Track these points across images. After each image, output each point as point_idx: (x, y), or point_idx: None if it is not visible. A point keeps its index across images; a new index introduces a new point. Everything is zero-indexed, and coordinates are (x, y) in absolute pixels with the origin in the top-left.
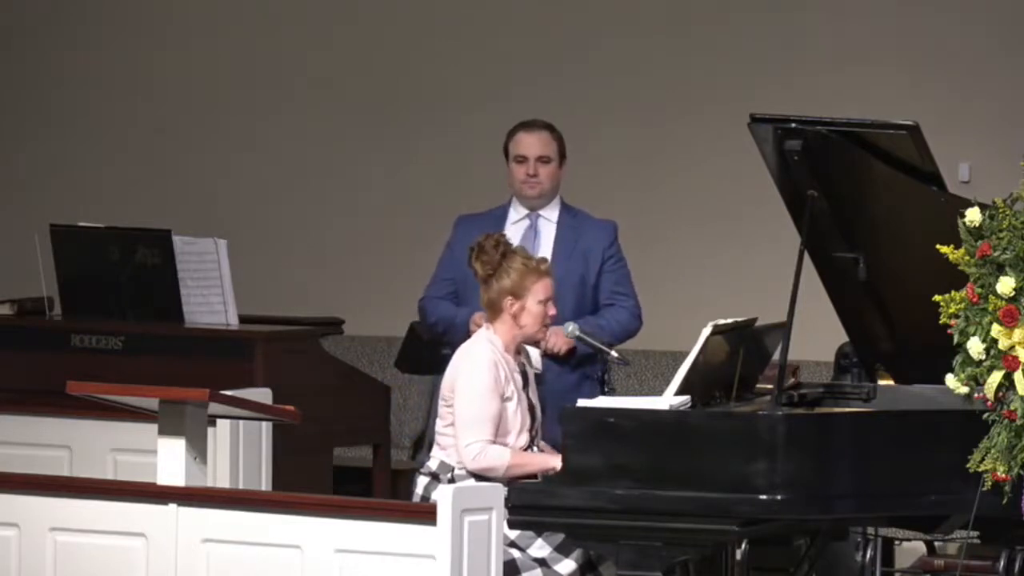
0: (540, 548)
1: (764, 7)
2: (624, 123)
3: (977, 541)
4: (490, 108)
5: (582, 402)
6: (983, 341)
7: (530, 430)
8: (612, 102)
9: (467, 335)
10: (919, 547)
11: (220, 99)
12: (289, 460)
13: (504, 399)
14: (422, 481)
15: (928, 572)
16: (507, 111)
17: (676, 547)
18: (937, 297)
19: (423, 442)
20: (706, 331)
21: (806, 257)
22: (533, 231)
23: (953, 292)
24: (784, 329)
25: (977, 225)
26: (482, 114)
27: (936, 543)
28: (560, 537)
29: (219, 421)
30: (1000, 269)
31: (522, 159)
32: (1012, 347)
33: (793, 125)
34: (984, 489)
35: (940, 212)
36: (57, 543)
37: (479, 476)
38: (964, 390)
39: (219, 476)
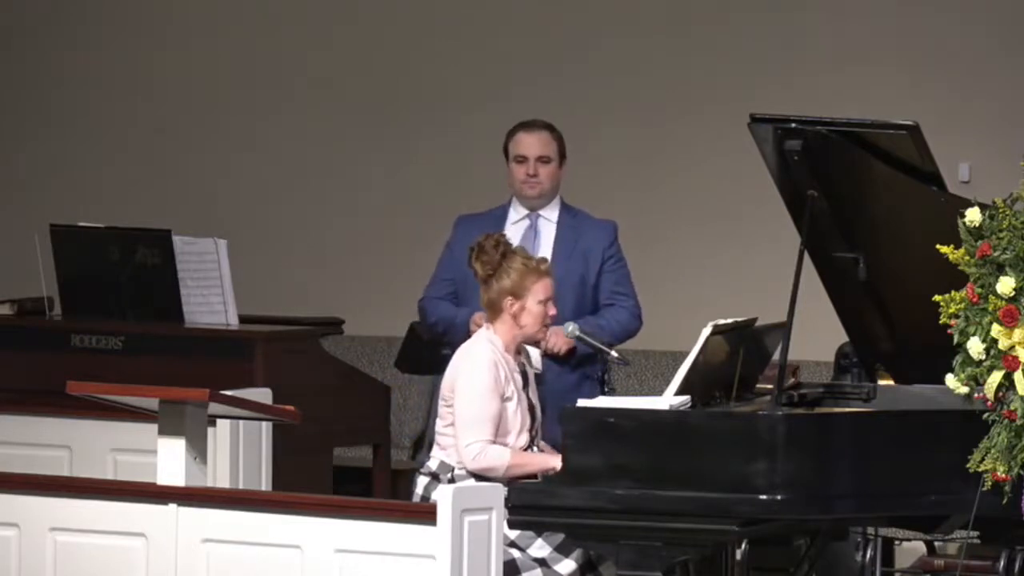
0: (540, 548)
1: (764, 7)
2: (624, 123)
3: (977, 541)
4: (490, 108)
5: (582, 402)
6: (983, 341)
7: (530, 430)
8: (612, 102)
9: (467, 335)
10: (919, 547)
11: (220, 99)
12: (289, 460)
13: (504, 399)
14: (422, 481)
15: (928, 572)
16: (507, 111)
17: (676, 547)
18: (937, 297)
19: (423, 442)
20: (706, 331)
21: (806, 257)
22: (533, 231)
23: (953, 292)
24: (784, 329)
25: (977, 225)
26: (482, 114)
27: (936, 543)
28: (560, 537)
29: (219, 421)
30: (1000, 269)
31: (522, 159)
32: (1012, 347)
33: (793, 125)
34: (984, 489)
35: (940, 212)
36: (57, 543)
37: (479, 476)
38: (964, 390)
39: (219, 476)
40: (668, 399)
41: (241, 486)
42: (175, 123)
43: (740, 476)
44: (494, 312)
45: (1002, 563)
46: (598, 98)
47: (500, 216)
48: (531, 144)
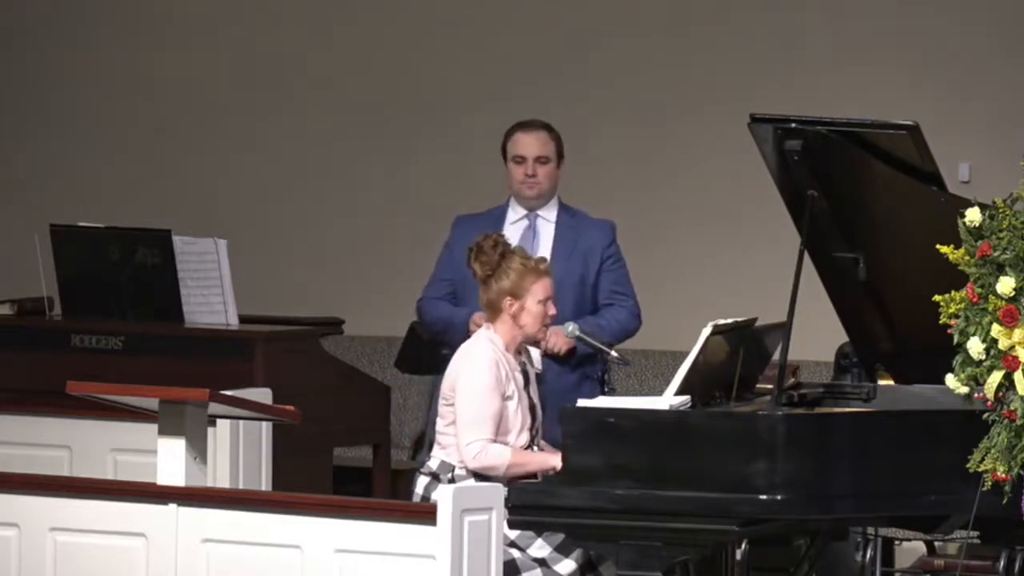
0: (540, 548)
1: (764, 7)
2: (624, 123)
3: (977, 541)
4: (490, 108)
5: (582, 402)
6: (983, 341)
7: (531, 429)
8: (612, 102)
9: (466, 335)
10: (919, 547)
11: (220, 99)
12: (289, 460)
13: (505, 398)
14: (422, 481)
15: (928, 572)
16: (507, 111)
17: (676, 547)
18: (937, 297)
19: (423, 442)
20: (706, 331)
21: (806, 257)
22: (532, 231)
23: (953, 292)
24: (784, 329)
25: (977, 225)
26: (482, 114)
27: (936, 543)
28: (560, 537)
29: (219, 421)
30: (1000, 269)
31: (520, 159)
32: (1012, 347)
33: (793, 125)
34: (984, 489)
35: (940, 212)
36: (57, 543)
37: (479, 475)
38: (964, 390)
39: (219, 476)
40: (668, 399)
41: (241, 486)
42: (175, 123)
43: (740, 476)
44: (493, 312)
45: (1002, 563)
46: (598, 98)
47: (499, 216)
48: (529, 144)
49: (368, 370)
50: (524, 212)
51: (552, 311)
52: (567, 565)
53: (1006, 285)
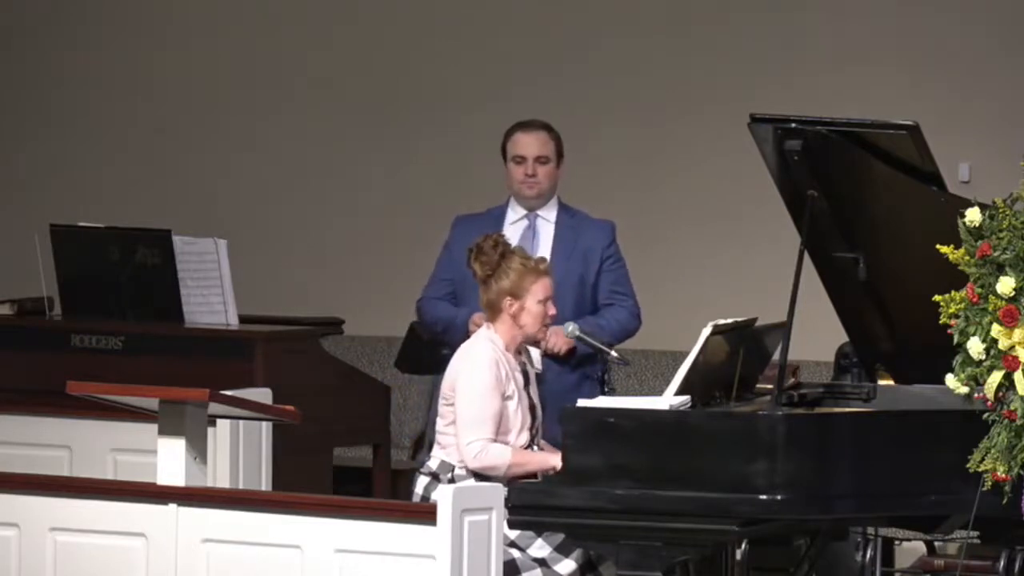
0: (540, 548)
1: (764, 7)
2: (624, 123)
3: (977, 541)
4: (490, 108)
5: (582, 402)
6: (983, 341)
7: (531, 429)
8: (612, 102)
9: (466, 336)
10: (919, 547)
11: (220, 99)
12: (289, 460)
13: (505, 397)
14: (422, 481)
15: (928, 572)
16: (507, 111)
17: (676, 547)
18: (937, 297)
19: (423, 442)
20: (706, 331)
21: (806, 257)
22: (532, 231)
23: (953, 292)
24: (784, 329)
25: (977, 225)
26: (482, 114)
27: (936, 543)
28: (560, 537)
29: (219, 421)
30: (1000, 269)
31: (520, 159)
32: (1012, 347)
33: (793, 125)
34: (984, 489)
35: (940, 212)
36: (57, 543)
37: (479, 475)
38: (964, 390)
39: (219, 476)
40: (668, 399)
41: (241, 486)
42: (175, 123)
43: (740, 476)
44: (493, 312)
45: (1002, 563)
46: (598, 98)
47: (498, 216)
48: (529, 144)
49: (368, 370)
50: (524, 212)
51: (552, 311)
52: (567, 565)
53: (1006, 285)
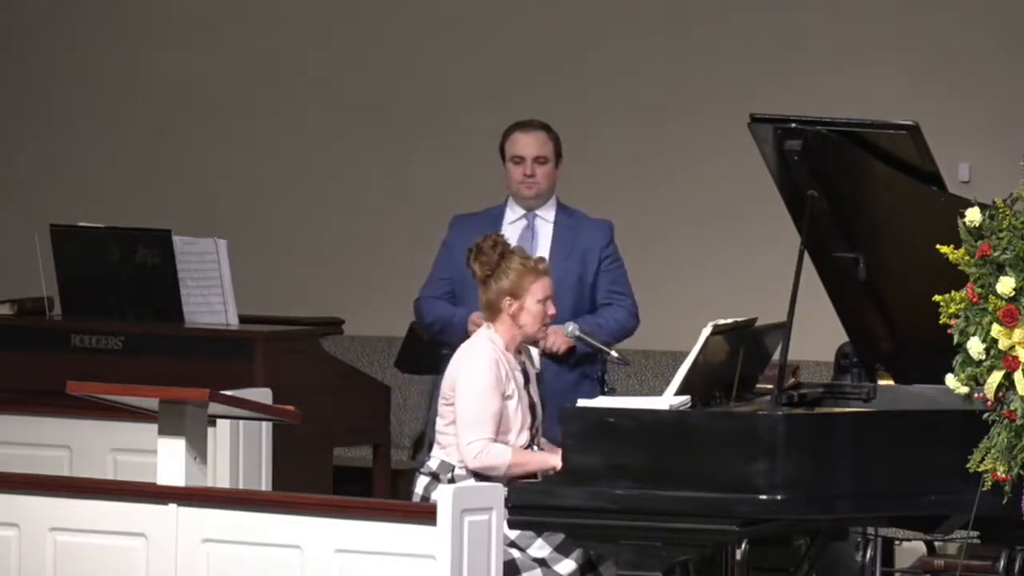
0: (540, 548)
1: (764, 7)
2: (624, 123)
3: (977, 541)
4: (490, 108)
5: (582, 402)
6: (983, 341)
7: (531, 428)
8: (612, 102)
9: (464, 335)
10: (919, 547)
11: (220, 99)
12: (289, 460)
13: (505, 397)
14: (422, 481)
15: (928, 572)
16: (507, 111)
17: (676, 547)
18: (937, 297)
19: (423, 442)
20: (706, 331)
21: (806, 257)
22: (530, 231)
23: (953, 292)
24: (784, 329)
25: (977, 225)
26: (482, 114)
27: (936, 543)
28: (560, 537)
29: (219, 421)
30: (1000, 269)
31: (519, 160)
32: (1012, 347)
33: (793, 125)
34: (984, 489)
35: (940, 212)
36: (57, 543)
37: (479, 475)
38: (964, 390)
39: (219, 476)
40: (668, 399)
41: (241, 486)
42: (175, 123)
43: (740, 476)
44: (493, 312)
45: (1002, 563)
46: (598, 98)
47: (496, 216)
48: (528, 144)
49: (368, 370)
50: (522, 212)
51: (552, 311)
52: (567, 565)
53: (1006, 285)
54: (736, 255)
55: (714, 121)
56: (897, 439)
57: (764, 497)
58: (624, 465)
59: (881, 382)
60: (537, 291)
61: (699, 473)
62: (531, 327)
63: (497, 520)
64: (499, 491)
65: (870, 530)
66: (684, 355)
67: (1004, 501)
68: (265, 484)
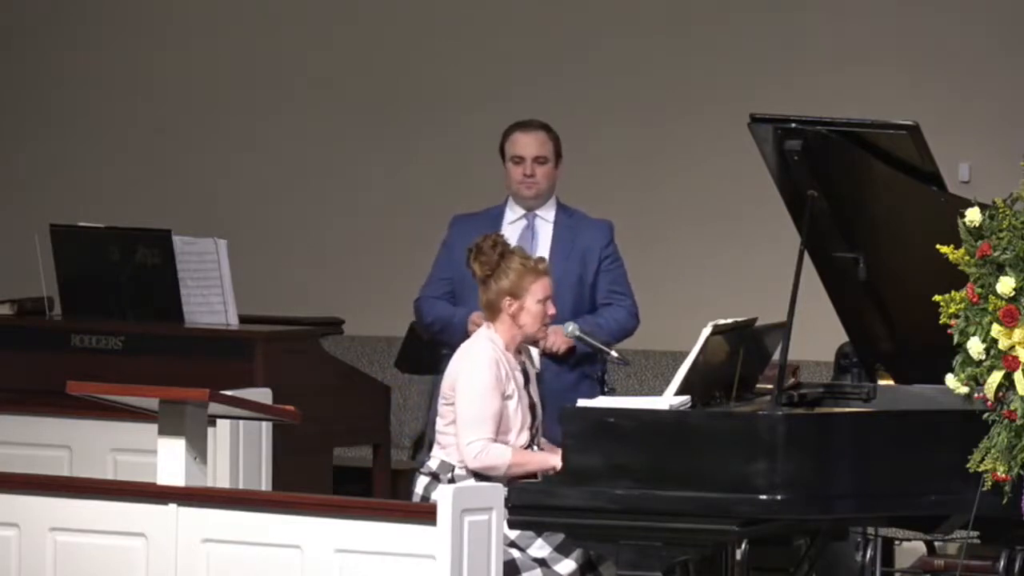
0: (540, 548)
1: (764, 7)
2: (624, 123)
3: (977, 541)
4: (490, 108)
5: (582, 402)
6: (983, 341)
7: (531, 428)
8: (612, 102)
9: (464, 335)
10: (919, 547)
11: (220, 99)
12: (289, 460)
13: (505, 397)
14: (422, 481)
15: (928, 572)
16: (507, 111)
17: (676, 547)
18: (937, 297)
19: (423, 442)
20: (706, 331)
21: (806, 257)
22: (530, 231)
23: (953, 292)
24: (784, 329)
25: (977, 225)
26: (482, 114)
27: (936, 543)
28: (560, 537)
29: (219, 421)
30: (1000, 269)
31: (519, 160)
32: (1012, 347)
33: (793, 125)
34: (984, 489)
35: (940, 212)
36: (57, 543)
37: (479, 475)
38: (964, 390)
39: (219, 476)
40: (668, 399)
41: (241, 486)
42: (175, 123)
43: (740, 476)
44: (493, 312)
45: (1002, 563)
46: (598, 98)
47: (496, 216)
48: (528, 144)
49: (368, 370)
50: (522, 212)
51: (552, 311)
52: (567, 565)
53: (1006, 285)
54: (736, 255)
55: (714, 121)
56: (897, 439)
57: (764, 497)
58: (624, 465)
59: (881, 382)
60: (537, 291)
61: (699, 473)
62: (531, 327)
63: (497, 520)
64: (499, 491)
65: (870, 530)
66: (684, 355)
67: (1004, 501)
68: (265, 484)
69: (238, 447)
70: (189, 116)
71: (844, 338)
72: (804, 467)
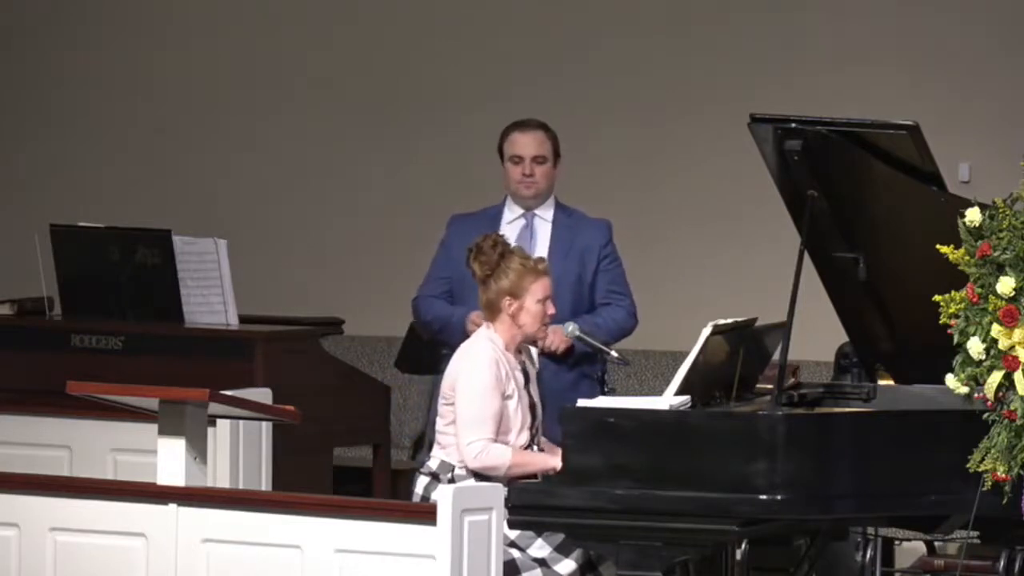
0: (540, 548)
1: (764, 7)
2: (624, 123)
3: (977, 541)
4: (490, 108)
5: (582, 402)
6: (983, 341)
7: (531, 428)
8: (612, 102)
9: (463, 334)
10: (919, 547)
11: (220, 99)
12: (289, 460)
13: (505, 397)
14: (422, 481)
15: (928, 572)
16: (507, 111)
17: (676, 547)
18: (937, 297)
19: (423, 442)
20: (706, 331)
21: (806, 257)
22: (529, 231)
23: (953, 292)
24: (784, 329)
25: (977, 225)
26: (482, 114)
27: (936, 543)
28: (560, 537)
29: (219, 421)
30: (1000, 269)
31: (518, 159)
32: (1012, 347)
33: (793, 125)
34: (984, 489)
35: (940, 212)
36: (57, 543)
37: (479, 475)
38: (964, 390)
39: (219, 476)
40: (668, 399)
41: (241, 486)
42: (175, 123)
43: (740, 476)
44: (492, 312)
45: (1002, 563)
46: (598, 98)
47: (494, 216)
48: (527, 144)
49: (368, 370)
50: (521, 211)
51: (551, 310)
52: (567, 565)
53: (1006, 285)
54: (736, 255)
55: (714, 121)
56: (897, 439)
57: (764, 497)
58: (624, 465)
59: (881, 382)
60: (537, 291)
61: (699, 473)
62: (531, 327)
63: (497, 520)
64: (499, 491)
65: (870, 530)
66: (684, 355)
67: (1004, 501)
68: (265, 484)
69: (238, 447)
70: (189, 116)
71: (844, 338)
72: (804, 467)
